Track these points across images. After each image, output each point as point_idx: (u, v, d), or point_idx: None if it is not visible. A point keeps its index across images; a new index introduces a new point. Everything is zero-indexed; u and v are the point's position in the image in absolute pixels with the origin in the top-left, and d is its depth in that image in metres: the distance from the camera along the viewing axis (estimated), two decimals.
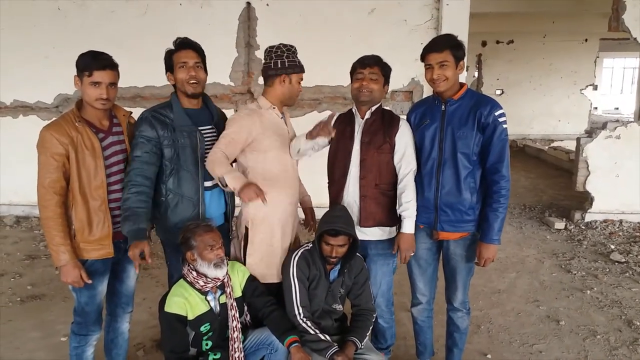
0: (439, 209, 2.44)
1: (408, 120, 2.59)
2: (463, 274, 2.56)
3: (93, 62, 2.14)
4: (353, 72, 2.52)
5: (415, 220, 2.49)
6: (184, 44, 2.40)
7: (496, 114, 2.32)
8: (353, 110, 2.60)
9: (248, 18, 5.61)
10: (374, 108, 2.52)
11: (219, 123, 2.55)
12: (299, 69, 2.50)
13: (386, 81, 2.53)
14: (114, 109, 2.36)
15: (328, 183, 2.67)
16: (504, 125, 2.34)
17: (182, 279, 2.33)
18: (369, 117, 2.52)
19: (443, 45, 2.33)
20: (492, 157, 2.34)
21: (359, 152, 2.50)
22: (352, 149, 2.51)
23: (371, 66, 2.45)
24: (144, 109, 2.45)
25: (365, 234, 2.53)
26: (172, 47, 2.42)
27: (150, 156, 2.32)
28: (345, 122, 2.59)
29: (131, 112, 2.46)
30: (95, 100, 2.17)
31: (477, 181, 2.42)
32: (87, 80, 2.15)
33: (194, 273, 2.27)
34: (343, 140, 2.55)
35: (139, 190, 2.26)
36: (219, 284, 2.32)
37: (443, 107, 2.42)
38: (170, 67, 2.43)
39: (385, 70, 2.50)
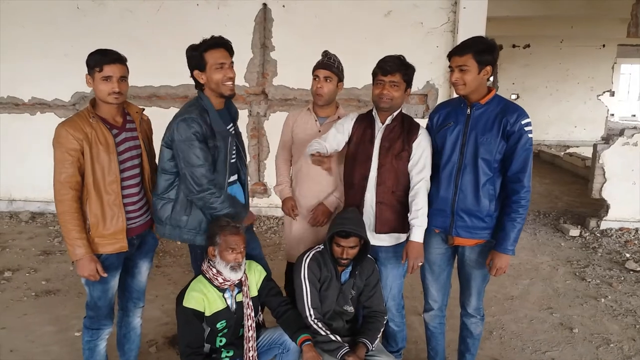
0: (456, 213, 2.40)
1: (431, 120, 2.53)
2: (478, 281, 2.52)
3: (102, 58, 2.17)
4: (374, 76, 2.45)
5: (430, 224, 2.47)
6: (219, 43, 2.31)
7: (523, 122, 2.26)
8: (373, 113, 2.55)
9: (264, 19, 5.64)
10: (395, 114, 2.48)
11: (236, 120, 2.61)
12: (315, 67, 2.67)
13: (408, 85, 2.46)
14: (126, 106, 2.39)
15: (345, 186, 2.64)
16: (530, 135, 2.27)
17: (201, 275, 2.35)
18: (390, 123, 2.48)
19: (466, 49, 2.25)
20: (515, 166, 2.29)
21: (377, 158, 2.47)
22: (372, 154, 2.49)
23: (392, 73, 2.37)
24: (160, 108, 2.47)
25: (377, 239, 2.51)
26: (197, 44, 2.32)
27: (208, 154, 2.31)
28: (365, 124, 2.55)
29: (144, 109, 2.49)
30: (108, 95, 2.19)
31: (497, 189, 2.37)
32: (98, 76, 2.18)
33: (214, 270, 2.29)
34: (363, 144, 2.52)
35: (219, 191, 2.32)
36: (237, 282, 2.34)
37: (468, 110, 2.36)
38: (199, 65, 2.31)
39: (407, 74, 2.41)
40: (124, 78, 2.23)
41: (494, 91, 2.37)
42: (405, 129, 2.47)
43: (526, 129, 2.26)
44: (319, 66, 2.67)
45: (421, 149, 2.44)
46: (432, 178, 2.48)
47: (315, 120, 2.75)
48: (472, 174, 2.35)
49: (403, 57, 2.44)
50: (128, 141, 2.33)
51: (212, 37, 2.31)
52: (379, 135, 2.49)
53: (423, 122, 2.61)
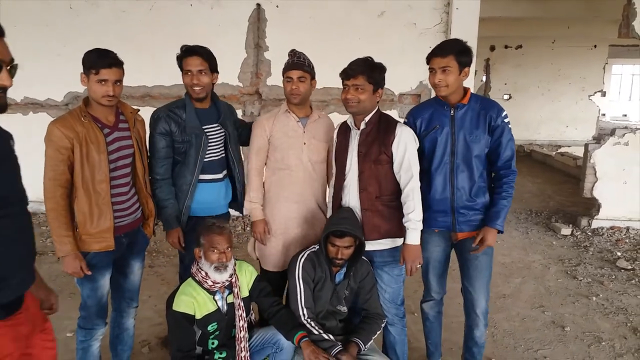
0: (456, 211, 2.47)
1: (413, 125, 2.52)
2: (485, 274, 2.54)
3: (100, 61, 2.17)
4: (341, 81, 2.42)
5: (431, 226, 2.50)
6: (189, 50, 2.53)
7: (502, 115, 2.42)
8: (348, 122, 2.54)
9: (258, 19, 5.64)
10: (368, 118, 2.42)
11: (225, 121, 2.70)
12: (283, 69, 2.61)
13: (378, 86, 2.40)
14: (120, 105, 2.40)
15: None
16: (509, 126, 2.45)
17: (190, 278, 2.34)
18: (365, 127, 2.44)
19: (447, 50, 2.31)
20: (504, 155, 2.44)
21: (357, 164, 2.45)
22: (346, 162, 2.48)
23: (355, 76, 2.33)
24: (153, 108, 2.52)
25: (370, 244, 2.48)
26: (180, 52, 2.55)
27: (168, 150, 2.56)
28: (342, 133, 2.57)
29: (139, 110, 2.51)
30: (101, 97, 2.20)
31: (486, 180, 2.50)
32: (93, 77, 2.18)
33: (203, 272, 2.29)
34: (339, 153, 2.54)
35: (164, 182, 2.57)
36: (227, 284, 2.34)
37: (452, 111, 2.42)
38: (181, 69, 2.57)
39: (372, 76, 2.35)
40: (119, 82, 2.24)
41: (470, 90, 2.47)
42: (381, 131, 2.42)
43: (506, 120, 2.43)
44: (290, 67, 2.57)
45: (402, 149, 2.38)
46: (426, 180, 2.48)
47: (297, 122, 2.64)
48: (466, 172, 2.45)
49: (370, 58, 2.40)
50: (119, 140, 2.32)
51: (184, 46, 2.54)
52: (355, 141, 2.47)
53: None
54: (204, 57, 2.52)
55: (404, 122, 2.57)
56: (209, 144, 2.61)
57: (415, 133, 2.49)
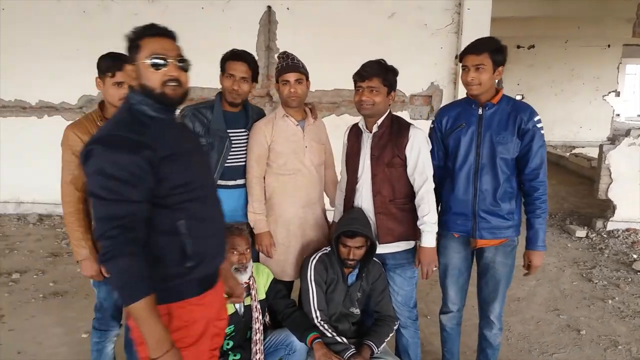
0: (478, 215, 2.37)
1: (439, 123, 2.48)
2: (503, 284, 2.48)
3: (115, 64, 2.19)
4: (354, 83, 2.40)
5: (450, 229, 2.45)
6: (236, 55, 2.52)
7: (535, 119, 2.31)
8: (360, 124, 2.51)
9: (268, 21, 5.66)
10: (380, 120, 2.41)
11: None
12: (278, 72, 2.54)
13: (391, 88, 2.39)
14: None
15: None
16: (542, 131, 2.32)
17: None
18: (377, 130, 2.41)
19: (482, 48, 2.25)
20: (533, 163, 2.32)
21: (370, 168, 2.42)
22: (359, 165, 2.47)
23: (369, 78, 2.31)
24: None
25: (383, 246, 2.46)
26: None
27: None
28: (354, 137, 2.54)
29: None
30: (118, 101, 2.21)
31: (514, 186, 2.39)
32: (109, 81, 2.20)
33: None
34: (351, 157, 2.52)
35: None
36: (245, 286, 2.34)
37: (480, 110, 2.35)
38: (223, 70, 2.55)
39: (387, 78, 2.34)
40: None
41: (502, 91, 2.38)
42: (394, 134, 2.40)
43: (538, 125, 2.31)
44: (286, 70, 2.50)
45: (416, 152, 2.36)
46: (449, 180, 2.44)
47: (297, 125, 2.60)
48: (490, 174, 2.34)
49: (384, 60, 2.38)
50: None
51: (235, 50, 2.55)
52: (368, 144, 2.45)
53: (427, 124, 2.59)
54: (250, 65, 2.52)
55: (431, 125, 2.54)
56: (232, 149, 2.55)
57: (441, 132, 2.46)
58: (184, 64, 1.61)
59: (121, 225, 1.42)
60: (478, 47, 2.27)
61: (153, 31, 1.64)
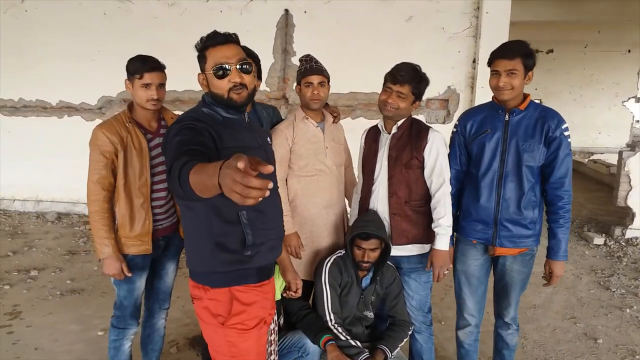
0: (499, 223, 2.32)
1: (463, 128, 2.44)
2: (517, 289, 2.45)
3: (143, 66, 2.24)
4: (385, 81, 2.38)
5: (468, 235, 2.43)
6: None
7: (562, 127, 2.26)
8: (379, 125, 2.51)
9: (286, 25, 5.69)
10: (400, 122, 2.41)
11: (266, 128, 2.64)
12: (301, 74, 2.53)
13: (417, 98, 2.38)
14: (163, 111, 2.46)
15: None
16: (569, 140, 2.27)
17: None
18: (396, 132, 2.41)
19: (515, 53, 2.18)
20: (558, 172, 2.27)
21: (387, 169, 2.41)
22: (376, 166, 2.46)
23: (402, 84, 2.30)
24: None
25: (399, 249, 2.45)
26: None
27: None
28: (371, 138, 2.54)
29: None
30: (146, 102, 2.26)
31: (538, 195, 2.34)
32: (138, 82, 2.24)
33: None
34: (368, 159, 2.52)
35: None
36: None
37: (507, 116, 2.30)
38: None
39: (418, 87, 2.33)
40: (162, 85, 2.30)
41: (530, 97, 2.33)
42: (413, 136, 2.39)
43: (565, 133, 2.26)
44: (309, 73, 2.50)
45: (434, 154, 2.36)
46: (472, 187, 2.41)
47: (317, 126, 2.61)
48: (515, 182, 2.29)
49: (419, 67, 2.36)
50: (161, 146, 2.38)
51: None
52: (386, 145, 2.44)
53: (443, 128, 2.57)
54: (254, 61, 2.48)
55: (453, 130, 2.51)
56: None
57: (464, 137, 2.43)
58: (245, 67, 1.72)
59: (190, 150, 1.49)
60: (511, 51, 2.20)
61: (215, 41, 1.74)
